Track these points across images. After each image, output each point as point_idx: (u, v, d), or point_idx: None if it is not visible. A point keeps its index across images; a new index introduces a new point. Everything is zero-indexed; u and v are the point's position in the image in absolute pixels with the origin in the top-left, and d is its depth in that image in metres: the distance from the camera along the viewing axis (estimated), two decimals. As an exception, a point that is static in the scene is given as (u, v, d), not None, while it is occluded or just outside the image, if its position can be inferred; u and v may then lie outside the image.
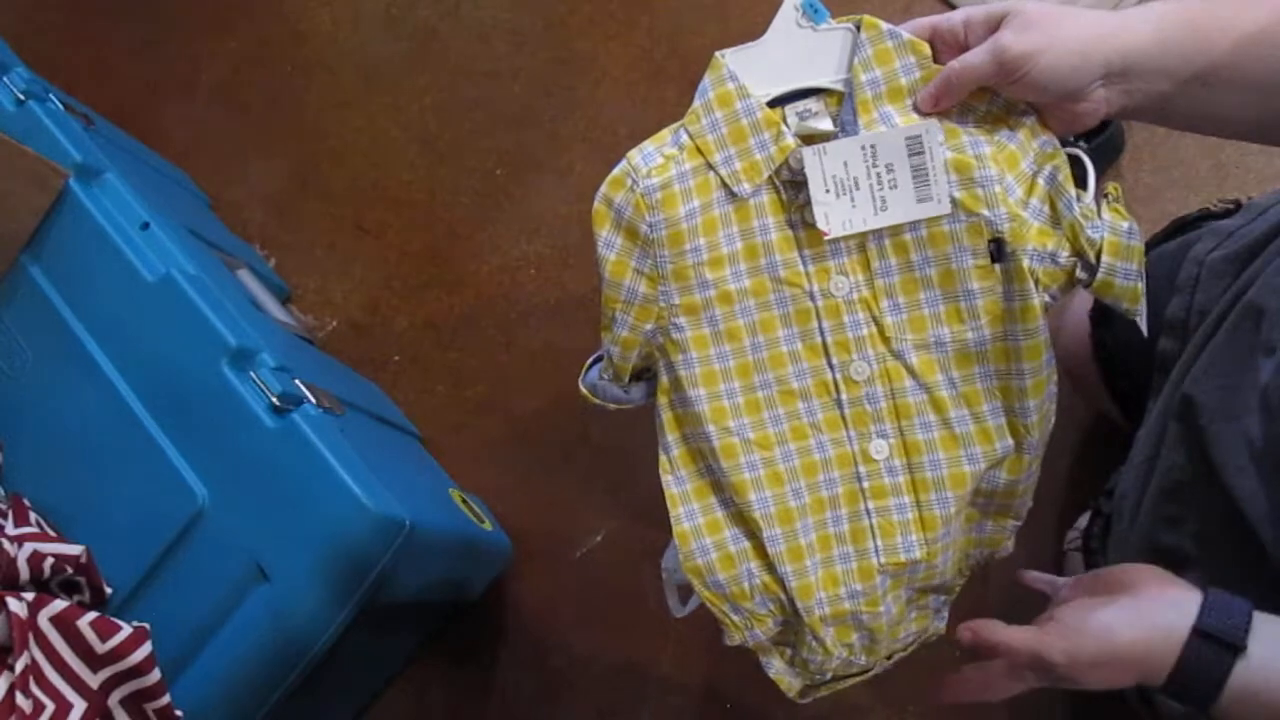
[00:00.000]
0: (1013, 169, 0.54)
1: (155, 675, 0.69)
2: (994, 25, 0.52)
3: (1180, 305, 0.66)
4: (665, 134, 0.57)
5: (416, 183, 1.17)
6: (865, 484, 0.58)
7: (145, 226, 0.84)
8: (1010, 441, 0.57)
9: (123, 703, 0.69)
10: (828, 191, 0.54)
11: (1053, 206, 0.54)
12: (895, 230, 0.55)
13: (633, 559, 1.00)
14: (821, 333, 0.57)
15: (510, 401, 1.07)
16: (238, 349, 0.77)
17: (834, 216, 0.55)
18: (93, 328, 0.81)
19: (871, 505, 0.58)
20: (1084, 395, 0.84)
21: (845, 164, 0.54)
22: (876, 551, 0.58)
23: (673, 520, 0.58)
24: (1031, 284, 0.54)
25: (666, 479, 0.59)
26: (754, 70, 0.55)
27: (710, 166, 0.55)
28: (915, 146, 0.54)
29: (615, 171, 0.56)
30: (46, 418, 0.81)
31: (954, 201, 0.54)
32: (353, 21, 1.25)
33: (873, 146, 0.54)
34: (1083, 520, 0.85)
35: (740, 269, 0.56)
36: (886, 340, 0.57)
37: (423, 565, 0.82)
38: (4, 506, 0.77)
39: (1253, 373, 0.55)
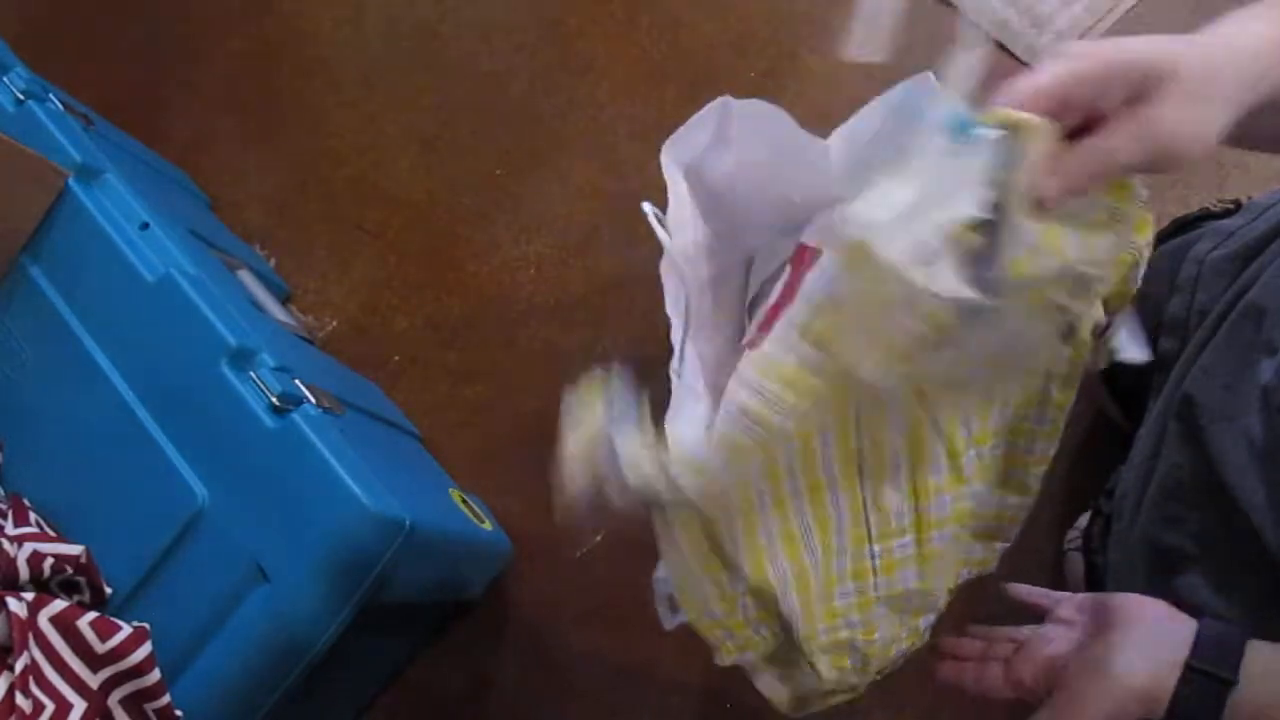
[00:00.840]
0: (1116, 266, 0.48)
1: (155, 675, 0.69)
2: (1135, 88, 0.41)
3: (1181, 305, 0.66)
4: (778, 358, 0.46)
5: (416, 183, 1.17)
6: (874, 530, 0.57)
7: (145, 226, 0.84)
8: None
9: (123, 703, 0.69)
10: None
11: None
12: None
13: (633, 559, 0.99)
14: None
15: (510, 401, 1.07)
16: (238, 349, 0.77)
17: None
18: (92, 328, 0.81)
19: (878, 548, 0.57)
20: (1084, 395, 0.84)
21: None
22: (876, 586, 0.58)
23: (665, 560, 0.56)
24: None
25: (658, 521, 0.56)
26: (892, 231, 0.41)
27: None
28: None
29: (733, 431, 0.47)
30: (46, 418, 0.81)
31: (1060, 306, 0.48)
32: (353, 21, 1.25)
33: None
34: (1083, 520, 0.85)
35: None
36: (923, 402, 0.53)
37: (423, 565, 0.82)
38: (4, 506, 0.77)
39: (1253, 372, 0.55)
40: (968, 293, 0.42)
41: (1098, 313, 0.52)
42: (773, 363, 0.45)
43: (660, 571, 0.64)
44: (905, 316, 0.43)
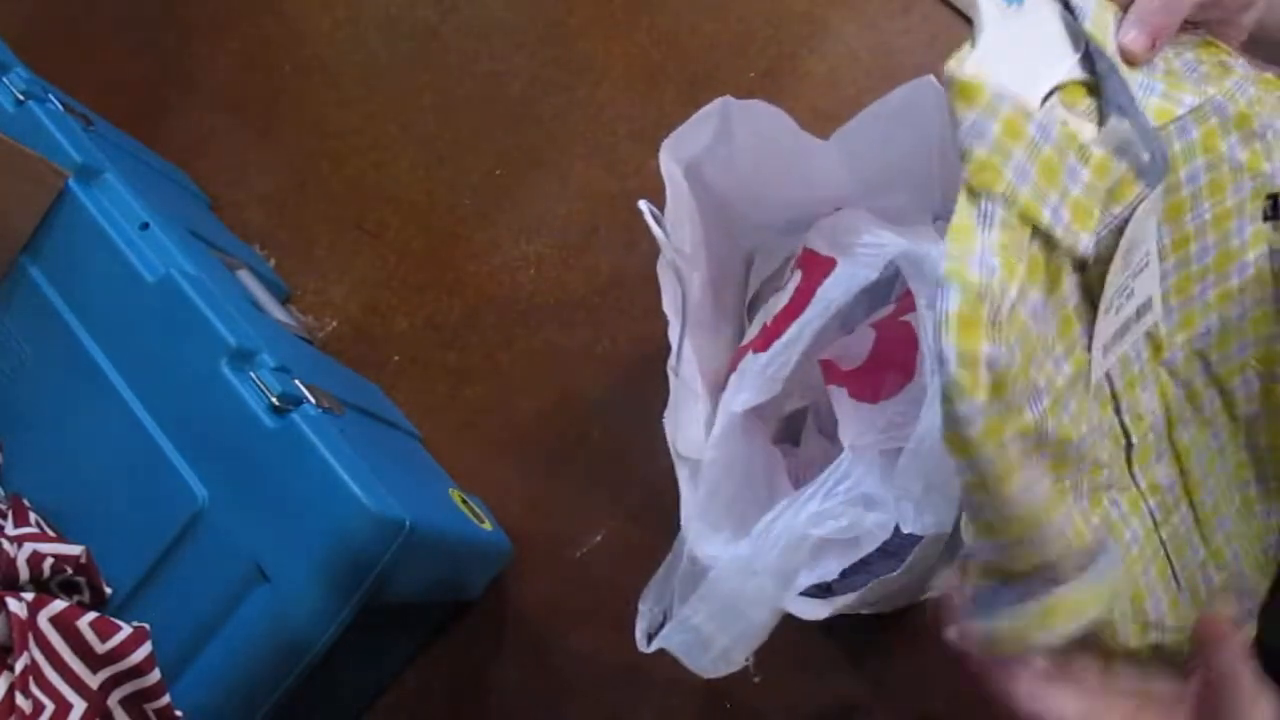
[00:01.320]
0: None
1: (155, 675, 0.69)
2: None
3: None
4: (967, 224, 0.37)
5: (416, 183, 1.17)
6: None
7: (145, 227, 0.84)
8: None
9: (123, 703, 0.69)
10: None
11: None
12: (1177, 218, 0.43)
13: (633, 559, 1.00)
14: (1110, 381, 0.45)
15: (510, 401, 1.07)
16: (238, 349, 0.77)
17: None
18: (92, 328, 0.81)
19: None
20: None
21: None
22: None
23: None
24: None
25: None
26: (1002, 83, 0.37)
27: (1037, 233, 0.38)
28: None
29: (959, 307, 0.35)
30: (46, 418, 0.81)
31: (1241, 166, 0.43)
32: (353, 21, 1.24)
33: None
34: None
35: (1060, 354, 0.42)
36: (1159, 354, 0.46)
37: (423, 565, 0.82)
38: (4, 506, 0.77)
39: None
40: (1124, 133, 0.38)
41: None
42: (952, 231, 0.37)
43: (648, 592, 0.65)
44: (1072, 161, 0.37)
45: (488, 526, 0.97)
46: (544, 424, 1.06)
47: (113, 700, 0.68)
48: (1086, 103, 0.39)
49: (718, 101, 0.70)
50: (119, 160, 0.92)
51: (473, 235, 1.14)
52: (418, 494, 0.87)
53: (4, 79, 0.90)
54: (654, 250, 0.69)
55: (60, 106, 0.92)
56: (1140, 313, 0.44)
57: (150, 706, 0.69)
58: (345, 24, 1.25)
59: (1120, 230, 0.40)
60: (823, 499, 0.62)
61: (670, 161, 0.71)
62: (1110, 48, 0.40)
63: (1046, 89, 0.39)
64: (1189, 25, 0.43)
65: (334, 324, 1.15)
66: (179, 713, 0.70)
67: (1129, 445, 0.45)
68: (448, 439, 1.08)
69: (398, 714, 1.01)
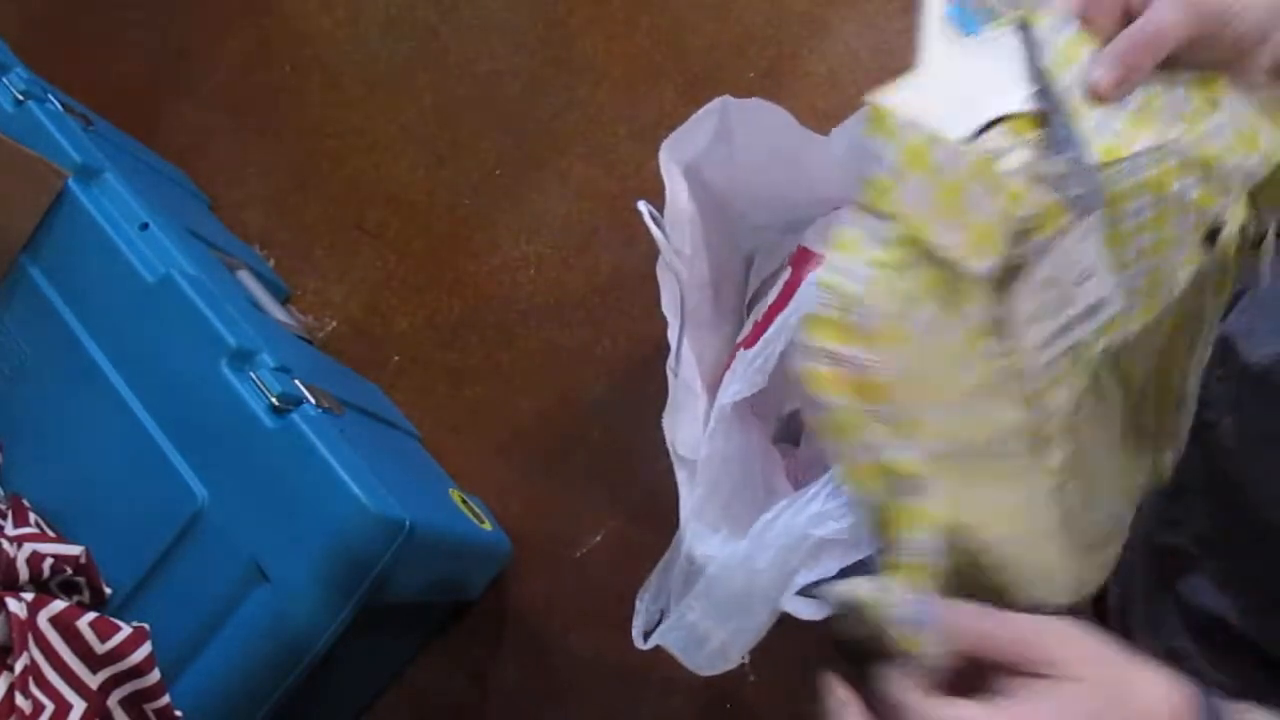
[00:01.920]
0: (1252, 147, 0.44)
1: (155, 675, 0.69)
2: None
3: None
4: (852, 238, 0.39)
5: (416, 183, 1.17)
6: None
7: (145, 227, 0.84)
8: None
9: (122, 703, 0.69)
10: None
11: None
12: (1118, 245, 0.44)
13: (633, 559, 1.00)
14: None
15: (510, 401, 1.07)
16: (237, 349, 0.77)
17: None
18: (92, 328, 0.81)
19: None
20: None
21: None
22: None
23: None
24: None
25: None
26: (925, 113, 0.39)
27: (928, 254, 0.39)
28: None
29: (818, 309, 0.39)
30: (46, 418, 0.81)
31: (1189, 203, 0.44)
32: (353, 21, 1.24)
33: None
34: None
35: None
36: (1079, 357, 0.48)
37: (423, 565, 0.82)
38: (4, 506, 0.77)
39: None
40: (1050, 164, 0.39)
41: (1242, 212, 0.45)
42: (836, 243, 0.39)
43: (645, 590, 0.65)
44: (979, 191, 0.39)
45: (488, 526, 0.97)
46: (544, 424, 1.06)
47: (112, 700, 0.68)
48: (1037, 134, 0.40)
49: (718, 101, 0.70)
50: (119, 160, 0.92)
51: (473, 235, 1.14)
52: (418, 494, 0.87)
53: (4, 79, 0.90)
54: (654, 250, 0.69)
55: (60, 106, 0.92)
56: (1091, 313, 0.45)
57: (150, 706, 0.69)
58: (345, 24, 1.25)
59: (1044, 252, 0.41)
60: (825, 499, 0.62)
61: (670, 162, 0.71)
62: (1066, 82, 0.40)
63: (984, 120, 0.40)
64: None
65: (334, 324, 1.15)
66: (179, 713, 0.70)
67: (1037, 439, 0.47)
68: (448, 439, 1.08)
69: (398, 714, 1.01)
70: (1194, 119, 0.43)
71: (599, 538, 1.01)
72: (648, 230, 0.69)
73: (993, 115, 0.40)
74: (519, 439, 1.06)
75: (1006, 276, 0.41)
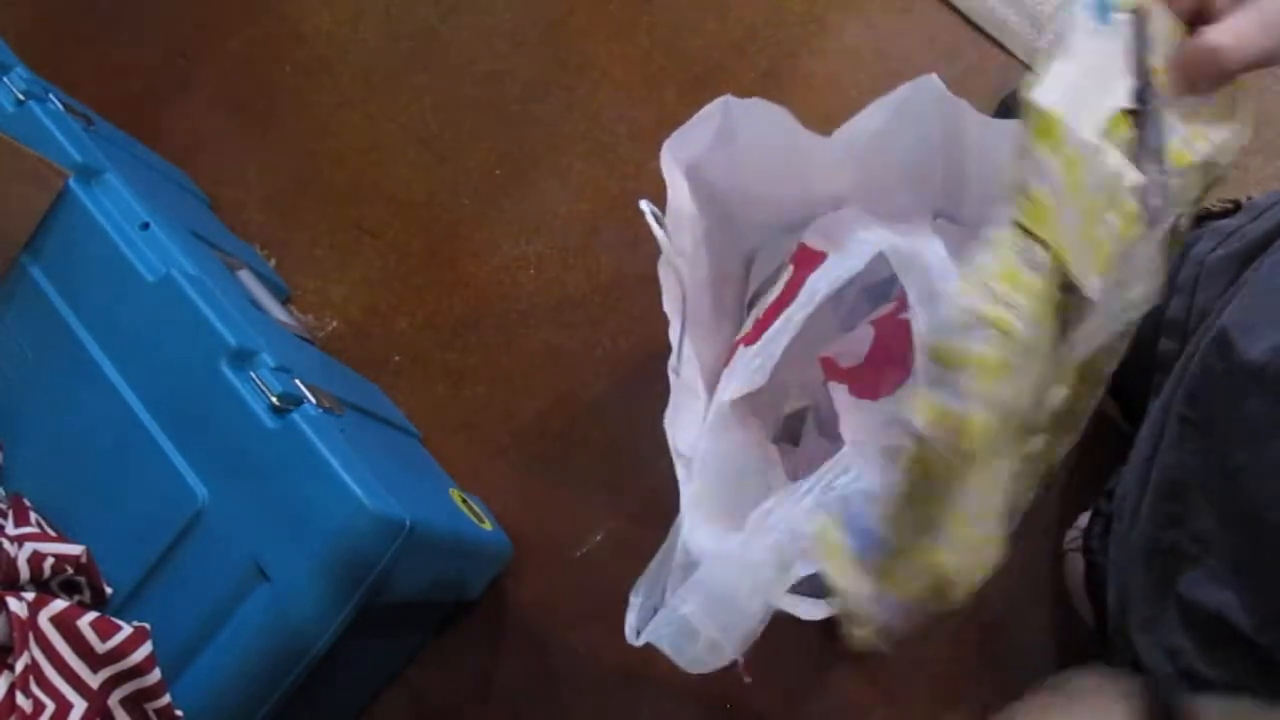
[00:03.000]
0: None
1: (155, 675, 0.69)
2: None
3: (1180, 306, 0.66)
4: (1012, 268, 0.38)
5: (416, 183, 1.17)
6: None
7: (145, 226, 0.84)
8: None
9: (123, 703, 0.69)
10: None
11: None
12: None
13: (633, 559, 1.00)
14: None
15: (510, 401, 1.07)
16: (238, 349, 0.77)
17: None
18: (93, 328, 0.81)
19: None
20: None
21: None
22: None
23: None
24: None
25: None
26: (1069, 111, 0.38)
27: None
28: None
29: (960, 335, 0.38)
30: (46, 418, 0.81)
31: (1196, 201, 0.44)
32: (353, 21, 1.25)
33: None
34: (1083, 520, 0.85)
35: None
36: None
37: (423, 565, 0.82)
38: (4, 506, 0.77)
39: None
40: (1150, 181, 0.39)
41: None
42: (990, 263, 0.38)
43: (640, 584, 0.64)
44: (1108, 211, 0.38)
45: (488, 526, 0.97)
46: (544, 424, 1.06)
47: (113, 700, 0.68)
48: (1127, 134, 0.40)
49: (719, 101, 0.70)
50: (119, 160, 0.92)
51: (473, 235, 1.14)
52: (418, 494, 0.87)
53: (4, 79, 0.90)
54: (654, 250, 0.69)
55: (60, 106, 0.92)
56: (1126, 314, 0.46)
57: (150, 706, 0.69)
58: (345, 24, 1.25)
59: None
60: (821, 492, 0.62)
61: (671, 161, 0.71)
62: (1162, 78, 0.40)
63: (1104, 120, 0.39)
64: None
65: (334, 324, 1.15)
66: (179, 712, 0.70)
67: (1030, 428, 0.49)
68: (448, 439, 1.08)
69: (398, 714, 1.01)
70: (1219, 122, 0.43)
71: (599, 538, 1.02)
72: (648, 230, 0.69)
73: (1110, 111, 0.39)
74: (519, 439, 1.06)
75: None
